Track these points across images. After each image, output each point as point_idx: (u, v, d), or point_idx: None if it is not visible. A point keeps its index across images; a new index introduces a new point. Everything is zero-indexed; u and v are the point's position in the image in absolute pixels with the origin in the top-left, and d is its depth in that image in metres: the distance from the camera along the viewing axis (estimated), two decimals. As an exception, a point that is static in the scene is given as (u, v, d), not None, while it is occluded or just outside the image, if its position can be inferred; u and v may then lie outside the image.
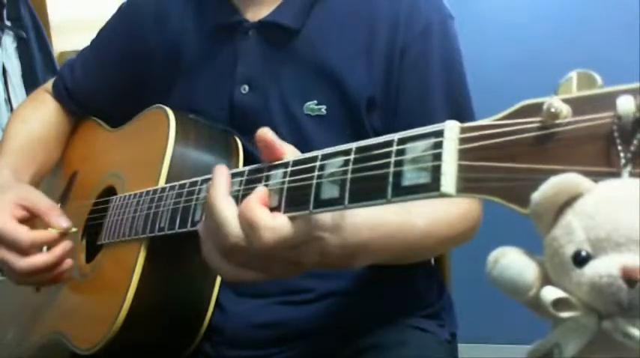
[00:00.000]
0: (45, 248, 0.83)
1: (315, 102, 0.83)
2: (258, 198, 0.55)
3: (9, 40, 2.12)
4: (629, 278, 0.31)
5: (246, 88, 0.86)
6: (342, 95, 0.82)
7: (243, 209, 0.54)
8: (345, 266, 0.64)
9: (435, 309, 0.90)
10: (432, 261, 1.03)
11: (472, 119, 0.85)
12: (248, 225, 0.54)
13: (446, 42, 0.84)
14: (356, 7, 0.84)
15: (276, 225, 0.53)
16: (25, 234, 0.81)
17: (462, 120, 0.87)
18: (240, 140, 0.86)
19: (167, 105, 0.87)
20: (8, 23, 2.12)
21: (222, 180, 0.58)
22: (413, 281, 0.89)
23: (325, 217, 0.56)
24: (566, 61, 2.06)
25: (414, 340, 0.84)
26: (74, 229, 0.85)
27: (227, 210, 0.56)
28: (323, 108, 0.83)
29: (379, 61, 0.82)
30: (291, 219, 0.54)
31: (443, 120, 0.79)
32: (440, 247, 0.84)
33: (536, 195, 0.35)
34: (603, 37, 2.06)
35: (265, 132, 0.58)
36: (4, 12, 2.12)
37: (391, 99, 0.82)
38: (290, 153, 0.59)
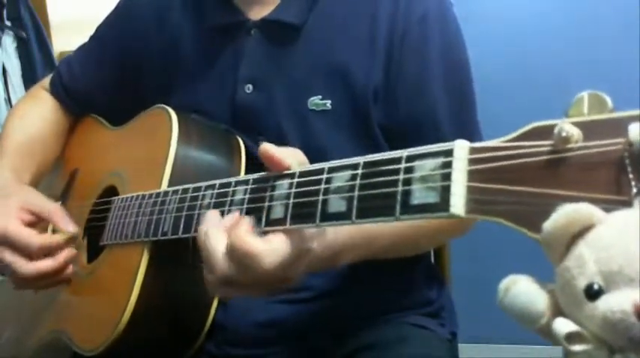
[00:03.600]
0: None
1: (320, 97, 0.82)
2: (248, 227, 0.56)
3: (9, 40, 2.11)
4: (641, 314, 0.31)
5: (250, 87, 0.85)
6: (348, 88, 0.82)
7: (237, 242, 0.55)
8: (327, 267, 0.64)
9: (435, 308, 0.90)
10: (432, 259, 1.03)
11: (473, 108, 0.85)
12: (245, 256, 0.54)
13: (445, 28, 0.84)
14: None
15: (274, 247, 0.54)
16: (34, 238, 0.80)
17: (462, 109, 0.85)
18: (243, 140, 0.85)
19: (168, 105, 0.86)
20: (8, 23, 2.11)
21: (212, 216, 0.60)
22: (412, 278, 0.90)
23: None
24: (566, 61, 2.07)
25: (416, 337, 0.84)
26: (78, 234, 0.86)
27: (218, 249, 0.56)
28: (328, 103, 0.82)
29: (381, 50, 0.81)
30: (286, 235, 0.55)
31: (443, 109, 0.81)
32: (424, 238, 0.82)
33: (547, 225, 0.35)
34: (603, 37, 2.06)
35: (267, 149, 0.58)
36: (4, 12, 2.11)
37: (391, 87, 0.82)
38: (293, 157, 0.59)
